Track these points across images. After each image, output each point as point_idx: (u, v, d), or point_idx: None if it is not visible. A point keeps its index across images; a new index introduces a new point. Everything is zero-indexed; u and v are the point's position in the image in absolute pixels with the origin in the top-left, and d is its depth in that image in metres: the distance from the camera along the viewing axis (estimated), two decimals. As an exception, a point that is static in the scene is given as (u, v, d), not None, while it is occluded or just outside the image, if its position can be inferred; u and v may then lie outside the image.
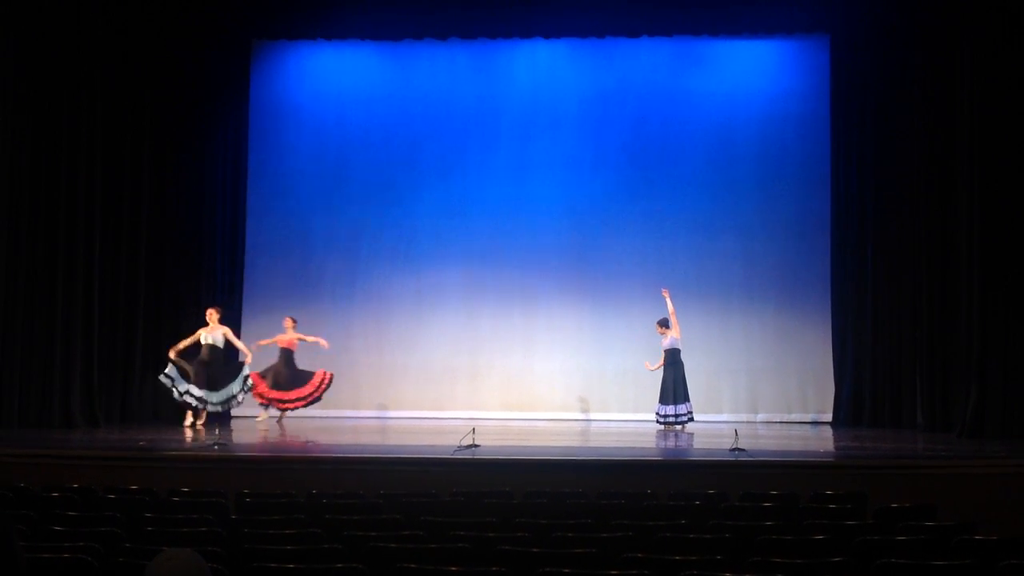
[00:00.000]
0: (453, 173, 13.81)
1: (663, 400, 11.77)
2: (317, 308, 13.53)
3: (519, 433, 11.44)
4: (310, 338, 12.41)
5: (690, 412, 11.70)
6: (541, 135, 13.73)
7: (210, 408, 11.48)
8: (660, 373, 11.85)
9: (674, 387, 11.69)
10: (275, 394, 12.05)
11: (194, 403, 11.38)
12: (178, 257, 13.22)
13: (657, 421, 11.84)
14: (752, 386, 13.29)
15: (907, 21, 12.13)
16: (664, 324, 11.80)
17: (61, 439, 10.18)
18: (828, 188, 13.09)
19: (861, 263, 12.76)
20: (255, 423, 12.25)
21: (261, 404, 12.24)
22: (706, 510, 5.99)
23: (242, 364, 11.77)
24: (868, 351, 12.58)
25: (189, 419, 11.46)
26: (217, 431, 10.34)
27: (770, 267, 13.34)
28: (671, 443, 10.86)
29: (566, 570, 4.41)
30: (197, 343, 11.60)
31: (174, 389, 11.32)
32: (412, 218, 13.78)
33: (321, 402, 12.35)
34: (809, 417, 13.12)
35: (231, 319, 12.86)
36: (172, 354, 11.43)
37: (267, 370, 12.09)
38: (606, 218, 13.58)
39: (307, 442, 10.92)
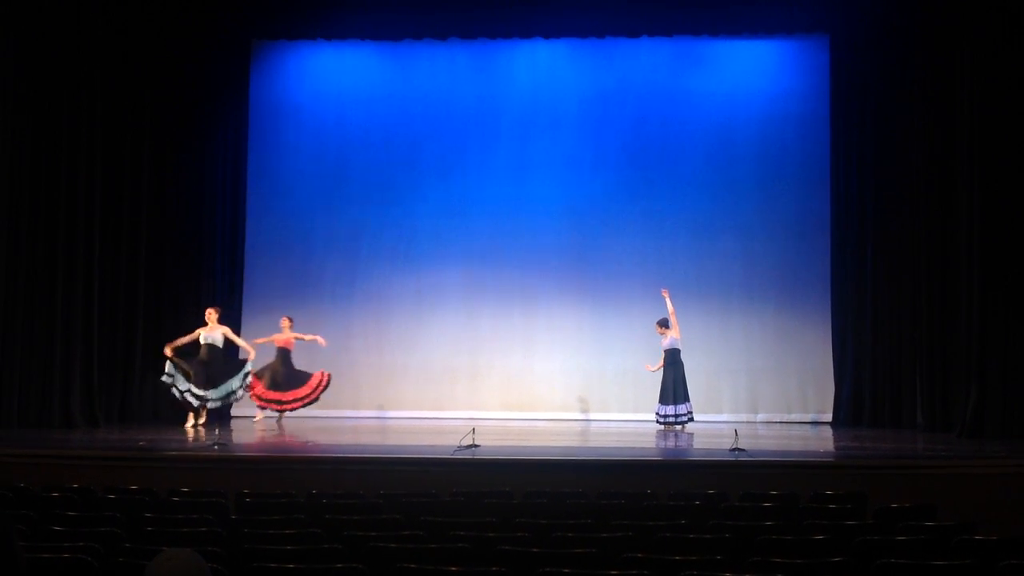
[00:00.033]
0: (453, 173, 13.81)
1: (663, 400, 11.77)
2: (317, 308, 13.54)
3: (519, 433, 11.44)
4: (307, 336, 12.38)
5: (690, 412, 11.70)
6: (541, 135, 13.73)
7: (210, 404, 11.46)
8: (660, 373, 11.86)
9: (674, 387, 11.69)
10: (272, 395, 12.01)
11: (195, 403, 11.37)
12: (178, 257, 13.23)
13: (657, 421, 11.83)
14: (752, 386, 13.29)
15: (907, 21, 12.13)
16: (664, 324, 11.80)
17: (61, 439, 10.18)
18: (828, 188, 13.10)
19: (861, 263, 12.77)
20: (253, 423, 12.24)
21: (259, 406, 12.22)
22: (706, 510, 5.99)
23: (244, 361, 11.75)
24: (868, 351, 12.58)
25: (191, 420, 11.45)
26: (217, 431, 10.34)
27: (770, 267, 13.34)
28: (671, 443, 10.86)
29: (566, 570, 4.41)
30: (195, 342, 11.60)
31: (174, 388, 11.32)
32: (412, 218, 13.78)
33: (321, 402, 12.33)
34: (809, 417, 13.12)
35: (231, 319, 12.87)
36: (168, 350, 11.42)
37: (263, 370, 12.03)
38: (606, 218, 13.58)
39: (307, 442, 10.91)
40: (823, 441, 11.36)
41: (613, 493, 6.58)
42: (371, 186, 13.86)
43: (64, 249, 11.45)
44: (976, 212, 10.68)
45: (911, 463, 8.69)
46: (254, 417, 12.48)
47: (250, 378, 11.70)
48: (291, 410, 12.15)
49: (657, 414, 11.83)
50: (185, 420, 11.50)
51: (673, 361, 11.76)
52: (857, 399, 12.62)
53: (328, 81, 14.11)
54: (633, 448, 10.03)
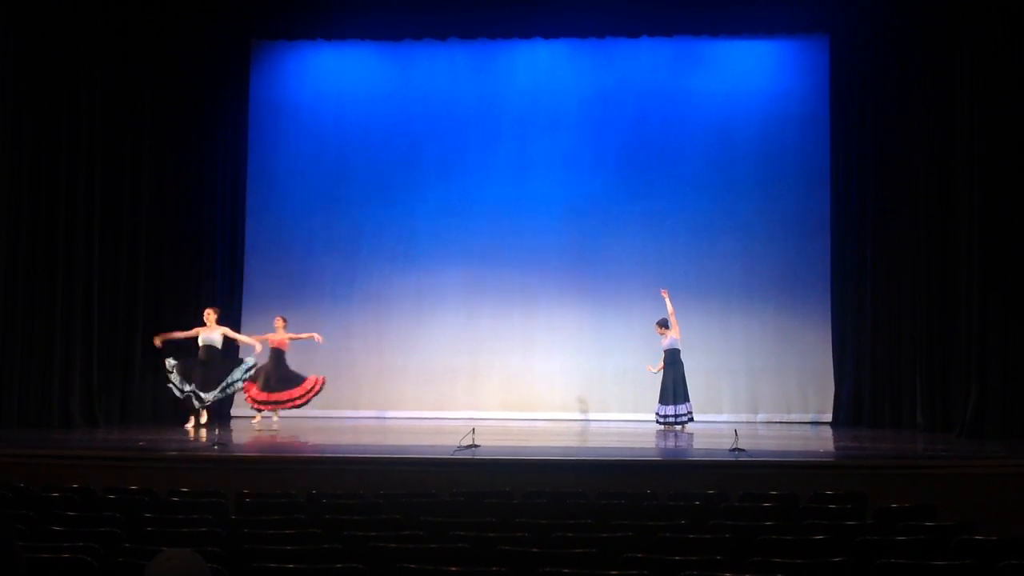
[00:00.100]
0: (453, 173, 13.81)
1: (663, 400, 11.77)
2: (317, 308, 13.53)
3: (519, 433, 11.44)
4: (303, 335, 12.30)
5: (690, 412, 11.71)
6: (541, 135, 13.73)
7: (211, 399, 11.43)
8: (660, 373, 11.86)
9: (674, 387, 11.69)
10: (265, 396, 11.94)
11: (197, 404, 11.37)
12: (178, 257, 13.22)
13: (657, 421, 11.84)
14: (752, 386, 13.29)
15: (907, 21, 12.13)
16: (663, 325, 11.80)
17: (61, 439, 10.18)
18: (828, 188, 13.10)
19: (861, 263, 12.76)
20: (253, 424, 12.23)
21: (254, 409, 12.17)
22: (706, 510, 5.99)
23: (247, 358, 11.73)
24: (868, 351, 12.58)
25: (191, 421, 11.43)
26: (217, 431, 10.34)
27: (770, 267, 13.34)
28: (671, 443, 10.86)
29: (566, 570, 4.41)
30: (192, 342, 11.59)
31: (173, 386, 11.31)
32: (412, 218, 13.78)
33: (321, 402, 12.30)
34: (809, 417, 13.11)
35: (231, 319, 12.88)
36: (158, 340, 11.47)
37: (256, 372, 11.89)
38: (606, 218, 13.57)
39: (307, 442, 10.91)
40: (823, 441, 11.36)
41: (613, 493, 6.57)
42: (371, 186, 13.85)
43: (64, 249, 11.45)
44: (976, 212, 10.68)
45: (911, 463, 8.70)
46: (253, 418, 12.45)
47: (253, 371, 11.66)
48: (285, 409, 12.10)
49: (657, 414, 11.83)
50: (186, 420, 11.49)
51: (673, 361, 11.76)
52: (857, 399, 12.62)
53: (328, 81, 14.11)
54: (633, 448, 10.04)
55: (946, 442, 10.37)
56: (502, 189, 13.71)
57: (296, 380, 12.06)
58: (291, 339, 12.24)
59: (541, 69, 13.89)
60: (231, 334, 11.90)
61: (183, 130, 13.25)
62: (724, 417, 12.87)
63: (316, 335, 12.31)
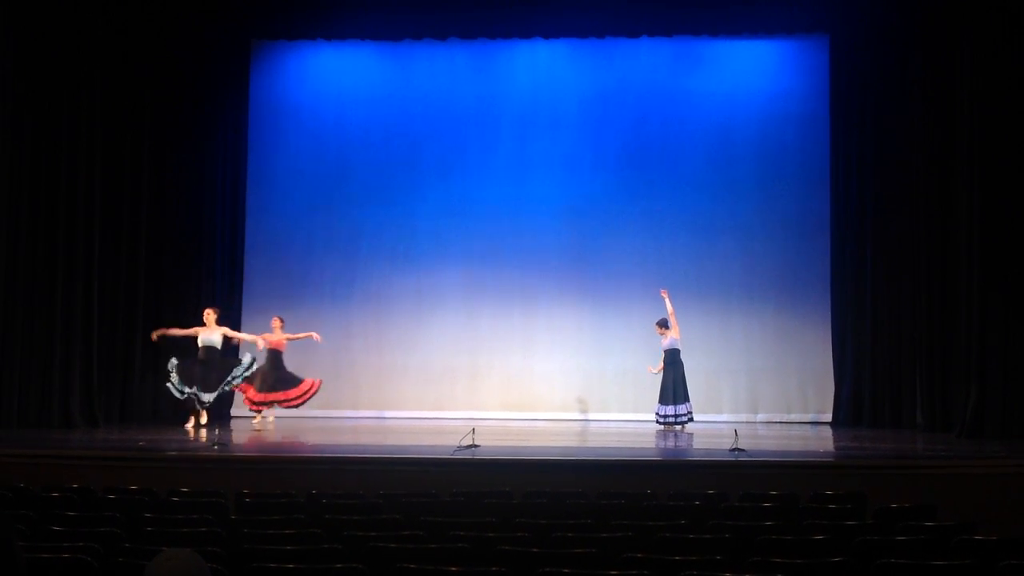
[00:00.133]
0: (453, 173, 13.81)
1: (663, 400, 11.77)
2: (316, 308, 13.53)
3: (519, 433, 11.44)
4: (300, 335, 12.26)
5: (690, 412, 11.71)
6: (541, 135, 13.73)
7: (211, 400, 11.43)
8: (660, 373, 11.87)
9: (674, 387, 11.69)
10: (262, 396, 11.93)
11: (198, 405, 11.36)
12: (178, 257, 13.22)
13: (657, 421, 11.84)
14: (752, 386, 13.29)
15: (907, 21, 12.13)
16: (663, 325, 11.80)
17: (61, 439, 10.18)
18: (828, 188, 13.10)
19: (861, 263, 12.76)
20: (252, 424, 12.23)
21: (253, 410, 12.16)
22: (706, 510, 5.99)
23: (249, 354, 11.73)
24: (868, 351, 12.58)
25: (192, 422, 11.43)
26: (217, 431, 10.33)
27: (770, 267, 13.34)
28: (671, 443, 10.86)
29: (566, 570, 4.41)
30: (191, 341, 11.58)
31: (172, 387, 11.31)
32: (412, 218, 13.78)
33: (321, 402, 12.29)
34: (809, 417, 13.12)
35: (231, 319, 12.88)
36: (155, 335, 11.48)
37: (253, 374, 11.89)
38: (606, 218, 13.57)
39: (307, 442, 10.91)
40: (823, 441, 11.36)
41: (613, 493, 6.57)
42: (371, 186, 13.85)
43: (64, 249, 11.45)
44: (976, 212, 10.68)
45: (911, 463, 8.70)
46: (253, 419, 12.44)
47: (255, 366, 11.64)
48: (279, 408, 12.07)
49: (657, 414, 11.83)
50: (186, 420, 11.49)
51: (673, 361, 11.76)
52: (857, 399, 12.62)
53: (328, 81, 14.11)
54: (633, 448, 10.04)
55: (946, 442, 10.36)
56: (502, 189, 13.71)
57: (293, 381, 12.02)
58: (288, 339, 12.20)
59: (541, 69, 13.89)
60: (231, 334, 11.89)
61: (183, 130, 13.26)
62: (724, 417, 12.88)
63: (314, 334, 12.27)
